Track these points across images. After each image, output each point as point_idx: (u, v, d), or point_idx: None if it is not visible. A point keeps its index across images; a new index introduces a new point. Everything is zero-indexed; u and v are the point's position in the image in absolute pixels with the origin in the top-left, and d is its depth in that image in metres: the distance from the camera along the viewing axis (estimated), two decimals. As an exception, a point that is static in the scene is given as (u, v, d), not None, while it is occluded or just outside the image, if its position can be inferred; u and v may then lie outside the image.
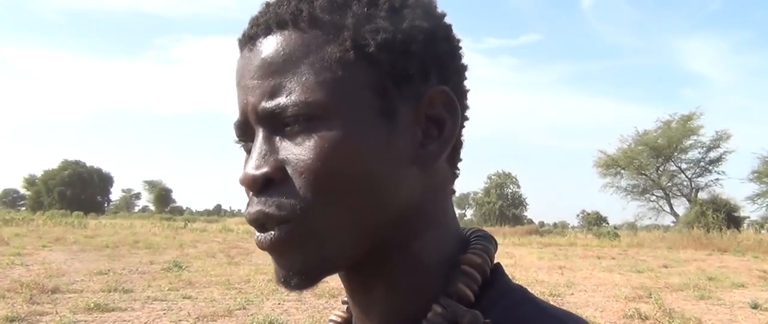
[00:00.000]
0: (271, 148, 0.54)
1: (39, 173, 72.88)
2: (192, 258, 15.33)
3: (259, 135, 0.55)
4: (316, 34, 0.54)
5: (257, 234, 0.55)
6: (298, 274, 0.54)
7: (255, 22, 0.57)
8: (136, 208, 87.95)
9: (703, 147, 38.38)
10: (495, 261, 0.62)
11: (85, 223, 32.44)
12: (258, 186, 0.54)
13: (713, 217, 30.59)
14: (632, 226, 45.51)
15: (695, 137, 38.27)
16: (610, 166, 40.63)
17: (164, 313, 7.85)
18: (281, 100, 0.53)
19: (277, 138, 0.55)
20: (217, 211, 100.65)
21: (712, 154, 38.29)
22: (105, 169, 76.59)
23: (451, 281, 0.57)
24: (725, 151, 37.77)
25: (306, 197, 0.52)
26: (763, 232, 32.37)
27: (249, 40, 0.57)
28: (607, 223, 55.93)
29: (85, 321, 7.17)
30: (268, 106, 0.54)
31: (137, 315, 7.67)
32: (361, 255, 0.56)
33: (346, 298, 0.67)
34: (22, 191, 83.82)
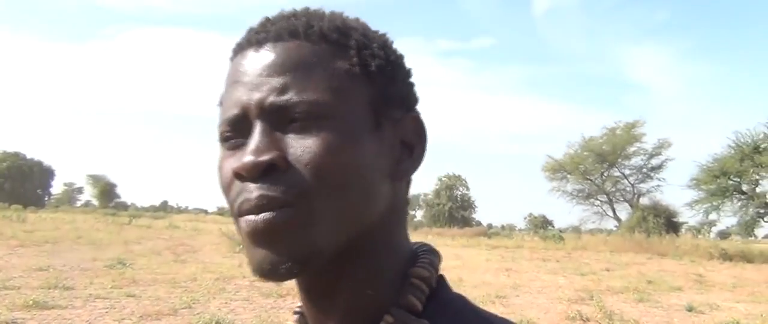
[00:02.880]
0: (272, 140, 0.57)
1: (-25, 164, 70.01)
2: (137, 255, 15.00)
3: (259, 128, 0.58)
4: (326, 48, 0.60)
5: (251, 217, 0.56)
6: (291, 260, 0.55)
7: (262, 30, 0.62)
8: (79, 203, 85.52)
9: (645, 154, 39.75)
10: (439, 273, 0.67)
11: (24, 217, 31.28)
12: (259, 171, 0.56)
13: (654, 222, 31.68)
14: (577, 230, 46.57)
15: (638, 144, 39.59)
16: (557, 170, 41.56)
17: (107, 312, 7.66)
18: (292, 96, 0.57)
19: (278, 133, 0.57)
20: (164, 208, 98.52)
21: (654, 161, 39.70)
22: (46, 162, 74.19)
23: (402, 293, 0.61)
24: (666, 159, 39.27)
25: (308, 186, 0.56)
26: (700, 237, 33.62)
27: (256, 43, 0.61)
28: (553, 227, 57.26)
29: (23, 319, 6.93)
30: (278, 101, 0.57)
31: (78, 313, 7.45)
32: (337, 254, 0.59)
33: (297, 309, 0.69)
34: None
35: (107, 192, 76.54)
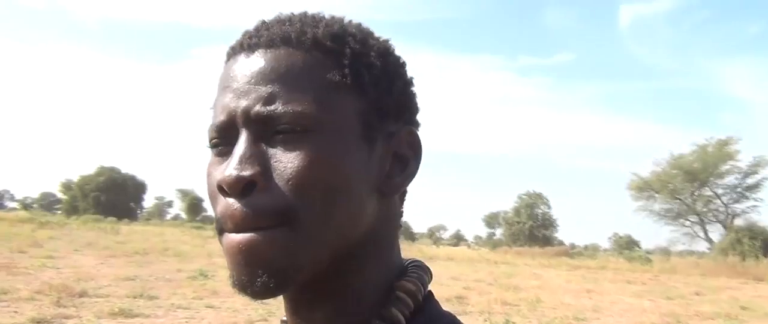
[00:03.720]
0: (256, 153, 0.56)
1: (75, 178, 74.46)
2: (218, 267, 15.44)
3: (244, 138, 0.56)
4: (318, 56, 0.58)
5: (232, 236, 0.55)
6: (270, 277, 0.54)
7: (255, 35, 0.60)
8: (168, 216, 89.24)
9: (740, 173, 37.65)
10: (428, 289, 0.65)
11: (118, 228, 32.97)
12: (240, 187, 0.54)
13: (749, 245, 29.90)
14: (665, 252, 44.61)
15: (732, 162, 37.57)
16: (644, 189, 40.03)
17: (187, 321, 7.93)
18: (278, 107, 0.55)
19: (263, 144, 0.56)
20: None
21: (750, 180, 37.50)
22: (139, 176, 77.73)
23: (386, 305, 0.60)
24: (763, 178, 36.97)
25: (290, 203, 0.54)
26: (801, 261, 31.38)
27: (247, 48, 0.60)
28: (640, 248, 54.87)
29: (109, 326, 7.28)
30: (263, 111, 0.55)
31: (161, 322, 7.76)
32: (321, 269, 0.57)
33: (283, 319, 0.67)
34: (59, 195, 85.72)
35: (194, 206, 79.47)
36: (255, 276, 0.54)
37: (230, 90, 0.59)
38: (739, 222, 36.08)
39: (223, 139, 0.59)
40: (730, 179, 38.16)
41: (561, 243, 62.46)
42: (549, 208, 65.14)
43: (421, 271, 0.65)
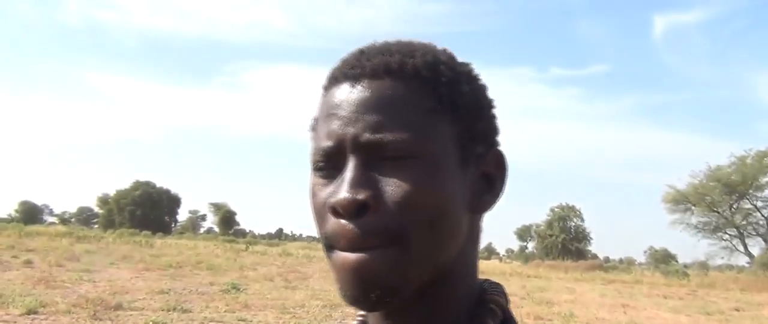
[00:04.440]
0: (367, 177, 0.60)
1: (112, 192, 75.93)
2: (251, 280, 15.58)
3: (353, 163, 0.60)
4: (418, 86, 0.63)
5: (345, 254, 0.59)
6: (382, 292, 0.59)
7: (357, 65, 0.64)
8: (202, 230, 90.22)
9: (780, 185, 36.60)
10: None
11: (152, 242, 33.49)
12: (354, 209, 0.58)
13: (791, 259, 29.00)
14: (703, 266, 43.61)
15: (772, 174, 36.54)
16: (680, 201, 39.27)
17: (219, 335, 7.98)
18: (386, 135, 0.60)
19: (371, 170, 0.60)
20: (279, 235, 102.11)
21: (791, 193, 36.45)
22: (173, 190, 79.04)
23: (479, 314, 0.65)
24: (804, 190, 35.91)
25: (400, 224, 0.58)
26: None
27: (352, 78, 0.63)
28: (676, 261, 53.81)
29: (144, 339, 7.37)
30: (372, 138, 0.60)
31: (193, 335, 7.82)
32: (424, 285, 0.62)
33: (360, 317, 0.72)
34: (96, 209, 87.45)
35: (227, 219, 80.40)
36: (367, 292, 0.59)
37: (337, 117, 0.62)
38: (780, 235, 35.11)
39: (328, 162, 0.63)
40: (770, 192, 37.21)
41: (595, 256, 61.57)
42: (582, 220, 64.30)
43: (502, 288, 0.71)
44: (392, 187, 0.59)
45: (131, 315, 8.82)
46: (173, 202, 79.75)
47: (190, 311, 9.62)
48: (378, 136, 0.59)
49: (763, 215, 37.58)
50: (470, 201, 0.65)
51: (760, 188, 37.22)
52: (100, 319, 8.26)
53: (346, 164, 0.60)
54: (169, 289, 12.16)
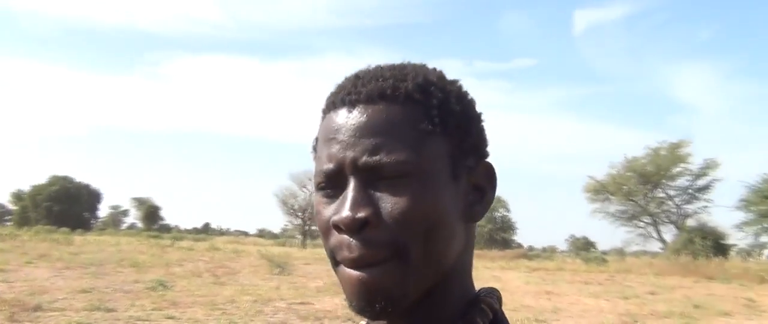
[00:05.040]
0: (366, 196, 0.65)
1: (27, 188, 72.27)
2: (177, 277, 15.22)
3: (353, 184, 0.66)
4: (411, 108, 0.68)
5: (350, 270, 0.66)
6: (386, 304, 0.65)
7: (353, 91, 0.69)
8: (124, 226, 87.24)
9: (691, 175, 38.68)
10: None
11: (71, 239, 32.11)
12: (356, 226, 0.64)
13: (701, 245, 30.72)
14: (621, 252, 45.52)
15: (683, 165, 38.58)
16: (600, 191, 40.83)
17: (146, 334, 7.77)
18: (383, 157, 0.65)
19: (370, 189, 0.66)
20: (206, 230, 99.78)
21: (701, 182, 38.59)
22: (93, 185, 75.78)
23: (470, 312, 0.71)
24: (713, 179, 38.09)
25: (399, 239, 0.64)
26: (750, 260, 32.45)
27: (349, 104, 0.69)
28: (596, 249, 55.94)
29: (66, 340, 7.09)
30: (370, 161, 0.65)
31: (119, 335, 7.59)
32: (423, 294, 0.68)
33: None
34: (9, 206, 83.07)
35: (151, 215, 77.97)
36: (372, 303, 0.65)
37: (336, 141, 0.68)
38: (690, 222, 37.04)
39: (329, 182, 0.68)
40: (681, 181, 39.19)
41: (520, 246, 63.27)
42: (508, 211, 65.92)
43: (497, 292, 0.76)
44: (390, 205, 0.65)
45: (52, 316, 8.48)
46: (93, 197, 76.50)
47: (115, 310, 9.33)
48: (375, 158, 0.65)
49: (675, 203, 39.55)
50: (463, 211, 0.70)
51: (673, 178, 39.11)
52: (19, 321, 7.90)
53: (347, 184, 0.66)
54: (92, 288, 11.74)
